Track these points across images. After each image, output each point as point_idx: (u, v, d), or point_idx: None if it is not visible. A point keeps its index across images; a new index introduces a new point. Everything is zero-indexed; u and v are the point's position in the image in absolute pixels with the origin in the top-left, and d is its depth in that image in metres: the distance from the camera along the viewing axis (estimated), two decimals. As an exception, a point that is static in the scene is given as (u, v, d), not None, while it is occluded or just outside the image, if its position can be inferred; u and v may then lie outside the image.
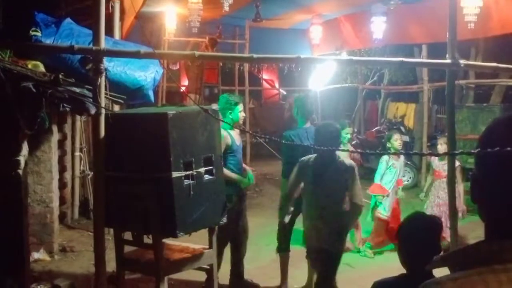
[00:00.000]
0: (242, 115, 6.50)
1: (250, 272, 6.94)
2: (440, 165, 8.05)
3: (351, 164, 5.77)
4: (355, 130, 15.74)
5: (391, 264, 6.40)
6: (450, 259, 1.26)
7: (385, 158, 8.12)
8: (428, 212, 7.67)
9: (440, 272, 1.38)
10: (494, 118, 1.38)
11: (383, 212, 7.99)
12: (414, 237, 3.07)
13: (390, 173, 8.01)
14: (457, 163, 7.92)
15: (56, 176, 7.67)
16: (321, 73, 13.06)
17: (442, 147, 7.95)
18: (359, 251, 8.00)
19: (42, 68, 5.41)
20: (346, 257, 7.82)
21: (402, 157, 8.16)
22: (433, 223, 3.20)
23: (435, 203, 8.04)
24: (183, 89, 12.33)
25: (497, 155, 1.22)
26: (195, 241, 5.69)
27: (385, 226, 8.02)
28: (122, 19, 8.45)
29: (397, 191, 8.17)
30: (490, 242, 1.22)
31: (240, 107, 6.47)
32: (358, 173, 5.71)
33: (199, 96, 12.90)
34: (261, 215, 9.77)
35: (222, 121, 5.56)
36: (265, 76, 18.83)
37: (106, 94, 4.59)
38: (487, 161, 1.25)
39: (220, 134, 5.55)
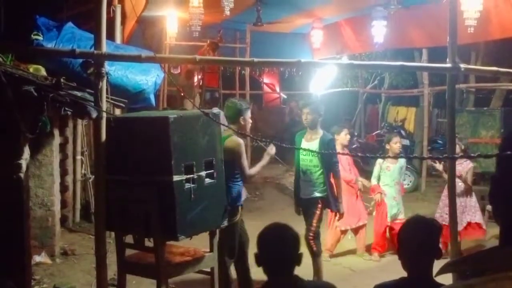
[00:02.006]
0: (251, 121, 6.28)
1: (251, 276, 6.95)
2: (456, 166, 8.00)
3: None
4: (356, 133, 15.77)
5: (392, 268, 6.40)
6: (461, 265, 1.26)
7: (379, 160, 8.10)
8: (440, 214, 7.65)
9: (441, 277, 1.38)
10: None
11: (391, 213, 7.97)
12: (414, 240, 3.07)
13: (385, 176, 8.00)
14: (471, 165, 7.90)
15: (57, 179, 7.68)
16: (322, 77, 13.10)
17: (457, 148, 7.93)
18: (361, 256, 7.99)
19: (43, 72, 5.43)
20: (347, 261, 7.86)
21: (400, 161, 8.10)
22: (433, 226, 3.21)
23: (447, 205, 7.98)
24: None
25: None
26: (196, 245, 5.69)
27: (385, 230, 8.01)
28: (123, 23, 8.47)
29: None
30: (503, 248, 1.21)
31: (250, 112, 6.27)
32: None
33: (200, 98, 12.90)
34: (261, 218, 9.74)
35: (223, 125, 5.57)
36: (266, 80, 18.85)
37: (107, 98, 4.61)
38: (507, 163, 1.26)
39: (221, 138, 5.55)
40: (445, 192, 7.94)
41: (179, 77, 12.70)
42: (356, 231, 8.03)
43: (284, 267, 2.98)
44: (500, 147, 1.33)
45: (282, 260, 2.98)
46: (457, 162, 7.73)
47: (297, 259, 3.03)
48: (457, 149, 7.78)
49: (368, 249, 8.08)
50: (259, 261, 3.04)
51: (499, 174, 1.30)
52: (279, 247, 2.99)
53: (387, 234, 8.02)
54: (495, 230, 6.20)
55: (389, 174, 8.00)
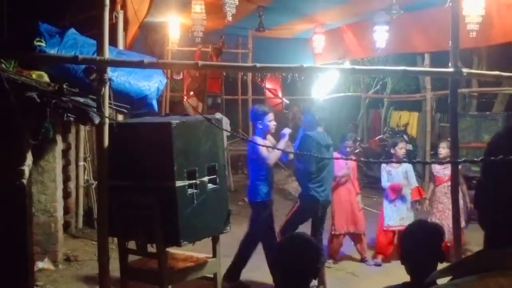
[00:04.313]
0: (273, 124, 6.68)
1: (256, 277, 6.94)
2: (440, 170, 7.99)
3: None
4: (358, 138, 15.77)
5: (395, 273, 6.38)
6: (451, 271, 1.27)
7: (383, 166, 8.08)
8: (432, 219, 7.64)
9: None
10: (505, 126, 1.40)
11: (388, 222, 7.94)
12: (416, 244, 3.08)
13: (390, 179, 7.99)
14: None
15: (60, 185, 7.68)
16: (324, 82, 13.09)
17: (444, 150, 7.91)
18: (364, 261, 7.96)
19: (46, 78, 5.44)
20: (350, 266, 7.84)
21: (403, 165, 8.10)
22: (435, 230, 3.22)
23: (437, 209, 7.98)
24: (185, 98, 12.33)
25: (505, 162, 1.24)
26: (199, 250, 5.69)
27: (391, 237, 7.97)
28: (126, 29, 8.49)
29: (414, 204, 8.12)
30: (490, 250, 1.23)
31: (270, 116, 6.66)
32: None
33: (202, 105, 12.91)
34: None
35: (225, 130, 5.58)
36: (268, 85, 18.82)
37: (110, 103, 4.61)
38: (495, 167, 1.27)
39: (224, 144, 5.55)
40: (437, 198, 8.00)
41: (192, 80, 12.74)
42: (354, 238, 8.01)
43: (300, 280, 2.95)
44: (486, 151, 1.34)
45: (300, 272, 2.94)
46: (444, 167, 7.76)
47: (315, 273, 2.99)
48: (446, 153, 7.78)
49: (371, 254, 8.06)
50: (275, 269, 3.00)
51: (484, 178, 1.31)
52: (299, 259, 2.94)
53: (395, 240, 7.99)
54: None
55: (391, 178, 7.99)
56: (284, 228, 6.78)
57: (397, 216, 7.89)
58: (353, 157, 8.07)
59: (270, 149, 6.34)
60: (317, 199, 6.80)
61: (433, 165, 8.31)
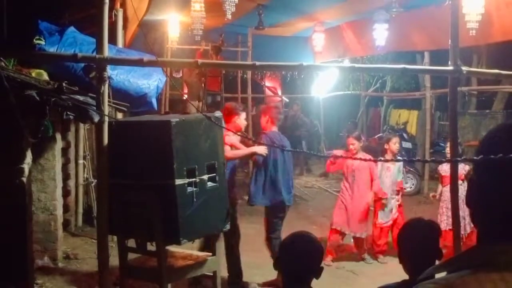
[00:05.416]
0: (245, 122, 6.87)
1: (255, 278, 6.95)
2: (449, 170, 7.95)
3: None
4: (362, 137, 15.76)
5: (394, 272, 6.39)
6: (445, 266, 1.29)
7: (381, 163, 8.10)
8: (443, 219, 7.62)
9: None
10: (497, 125, 1.40)
11: (382, 219, 7.96)
12: (413, 242, 3.08)
13: (386, 176, 7.99)
14: (467, 168, 7.88)
15: (59, 183, 7.68)
16: (324, 81, 13.10)
17: None
18: (363, 259, 7.97)
19: (45, 76, 5.44)
20: (350, 264, 7.85)
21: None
22: (432, 228, 3.21)
23: (447, 208, 7.94)
24: (185, 97, 12.31)
25: (504, 162, 1.24)
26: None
27: (385, 232, 8.00)
28: (125, 27, 8.48)
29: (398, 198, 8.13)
30: (483, 247, 1.24)
31: (245, 114, 6.78)
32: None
33: (202, 104, 12.90)
34: (261, 222, 9.73)
35: (226, 128, 5.58)
36: (267, 83, 18.83)
37: (109, 102, 4.61)
38: (489, 166, 1.27)
39: (223, 142, 5.56)
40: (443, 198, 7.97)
41: (191, 75, 12.72)
42: (355, 240, 8.02)
43: (303, 278, 2.96)
44: (480, 148, 1.35)
45: (304, 271, 2.95)
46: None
47: (318, 272, 3.00)
48: None
49: (371, 252, 8.07)
50: (279, 266, 3.02)
51: (480, 177, 1.32)
52: (303, 258, 2.95)
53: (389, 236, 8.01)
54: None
55: (389, 174, 8.00)
56: (269, 232, 6.99)
57: (386, 213, 7.96)
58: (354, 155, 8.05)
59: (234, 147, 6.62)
60: (281, 199, 6.90)
61: (440, 165, 8.27)
